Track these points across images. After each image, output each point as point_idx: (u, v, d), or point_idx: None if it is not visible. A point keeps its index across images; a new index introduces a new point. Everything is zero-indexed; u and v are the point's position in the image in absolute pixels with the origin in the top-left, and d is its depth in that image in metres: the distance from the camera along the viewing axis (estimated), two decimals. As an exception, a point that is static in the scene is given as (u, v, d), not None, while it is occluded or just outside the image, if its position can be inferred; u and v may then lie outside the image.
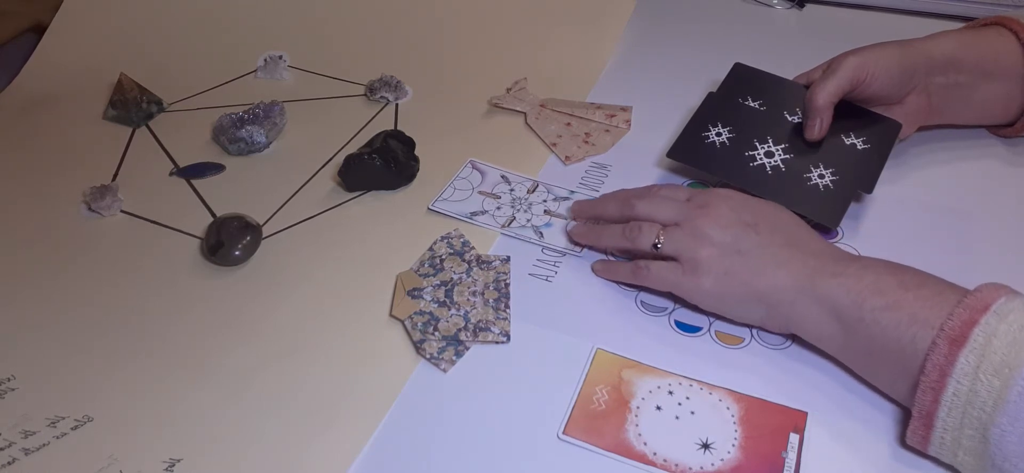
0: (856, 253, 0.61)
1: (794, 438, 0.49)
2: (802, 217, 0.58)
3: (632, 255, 0.60)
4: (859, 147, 0.64)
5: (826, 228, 0.62)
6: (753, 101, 0.69)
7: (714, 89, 0.72)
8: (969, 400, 0.43)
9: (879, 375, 0.50)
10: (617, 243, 0.60)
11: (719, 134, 0.67)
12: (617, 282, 0.60)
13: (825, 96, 0.63)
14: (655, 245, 0.57)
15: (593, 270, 0.61)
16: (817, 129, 0.64)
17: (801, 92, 0.67)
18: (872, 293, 0.49)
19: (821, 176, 0.64)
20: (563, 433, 0.50)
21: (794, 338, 0.55)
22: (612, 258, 0.62)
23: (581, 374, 0.54)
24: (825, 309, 0.51)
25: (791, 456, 0.48)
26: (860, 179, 0.63)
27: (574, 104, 0.79)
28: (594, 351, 0.55)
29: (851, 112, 0.65)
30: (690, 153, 0.67)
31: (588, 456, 0.49)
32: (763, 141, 0.66)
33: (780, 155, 0.65)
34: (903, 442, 0.48)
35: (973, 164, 0.69)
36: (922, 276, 0.50)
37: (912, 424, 0.46)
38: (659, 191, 0.60)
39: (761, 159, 0.65)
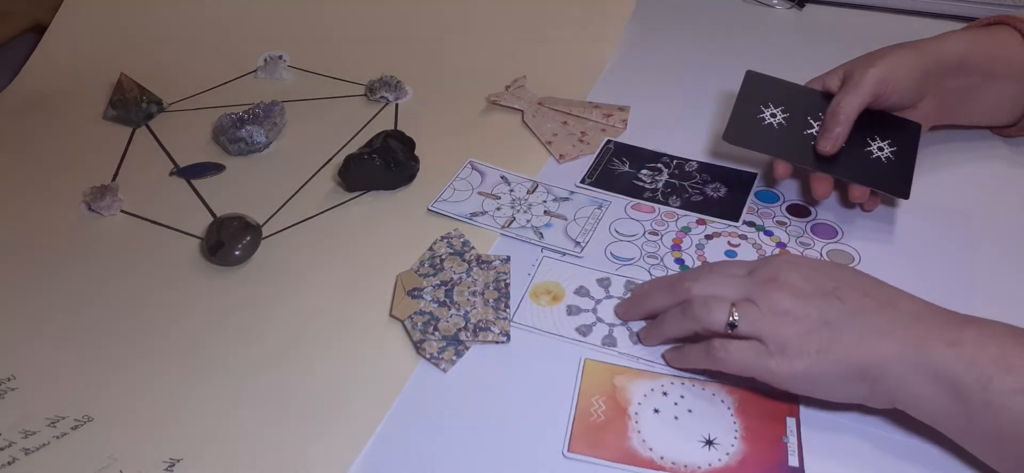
0: (858, 257, 0.61)
1: (791, 422, 0.50)
2: (873, 190, 0.59)
3: (699, 338, 0.52)
4: (885, 155, 0.64)
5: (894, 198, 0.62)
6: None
7: (713, 89, 0.72)
8: None
9: (1009, 462, 0.44)
10: (682, 326, 0.52)
11: (774, 115, 0.66)
12: (689, 369, 0.53)
13: (847, 111, 0.62)
14: (730, 324, 0.49)
15: (664, 359, 0.54)
16: (832, 143, 0.62)
17: (819, 98, 0.67)
18: (1000, 370, 0.43)
19: (880, 148, 0.64)
20: (568, 451, 0.49)
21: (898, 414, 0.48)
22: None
23: (574, 387, 0.53)
24: (942, 386, 0.44)
25: (792, 440, 0.49)
26: (894, 186, 0.63)
27: (572, 103, 0.79)
28: (582, 362, 0.55)
29: (869, 119, 0.65)
30: (747, 135, 0.65)
31: (597, 471, 0.48)
32: (816, 118, 0.65)
33: None
34: None
35: (977, 166, 0.69)
36: None
37: None
38: (711, 269, 0.54)
39: (816, 133, 0.64)
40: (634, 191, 0.69)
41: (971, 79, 0.65)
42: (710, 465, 0.48)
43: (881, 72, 0.62)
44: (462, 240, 0.64)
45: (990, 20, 0.68)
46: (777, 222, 0.65)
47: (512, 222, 0.66)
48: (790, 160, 0.65)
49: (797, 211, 0.66)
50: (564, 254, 0.63)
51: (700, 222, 0.65)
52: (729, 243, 0.63)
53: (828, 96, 0.66)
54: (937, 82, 0.65)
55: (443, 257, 0.63)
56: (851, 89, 0.63)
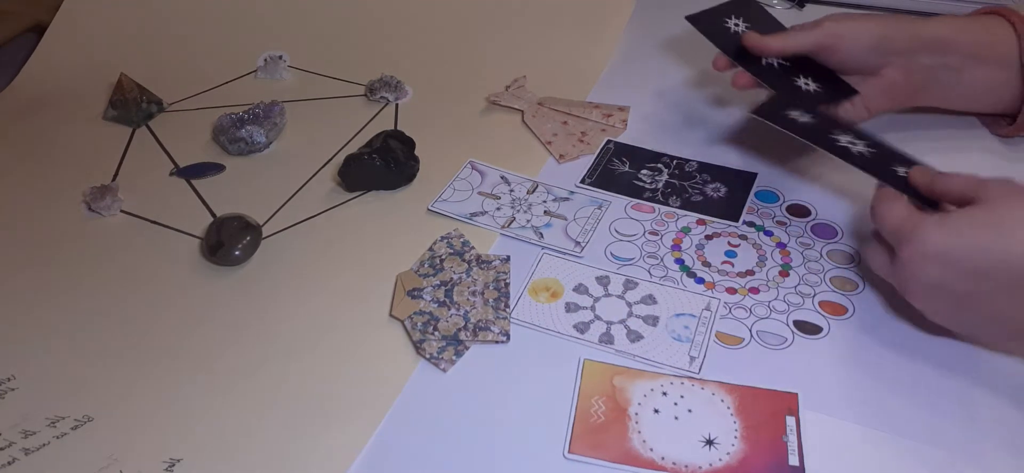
0: (858, 257, 0.61)
1: (791, 421, 0.50)
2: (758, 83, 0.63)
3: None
4: (812, 90, 0.67)
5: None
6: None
7: (713, 89, 0.71)
8: None
9: None
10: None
11: (738, 24, 0.70)
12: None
13: (788, 41, 0.67)
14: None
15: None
16: (757, 41, 0.67)
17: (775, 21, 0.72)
18: None
19: (807, 84, 0.67)
20: (569, 452, 0.49)
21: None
22: None
23: (574, 388, 0.53)
24: None
25: (792, 440, 0.49)
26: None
27: (572, 103, 0.79)
28: (582, 362, 0.55)
29: (811, 67, 0.68)
30: (777, 117, 0.64)
31: (598, 472, 0.49)
32: (846, 131, 0.63)
33: (863, 146, 0.64)
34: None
35: (975, 166, 0.69)
36: None
37: None
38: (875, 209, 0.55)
39: (845, 143, 0.63)
40: (634, 191, 0.69)
41: (949, 59, 0.65)
42: (710, 465, 0.48)
43: (834, 26, 0.66)
44: (462, 240, 0.64)
45: (984, 10, 0.68)
46: (777, 222, 0.65)
47: (512, 222, 0.66)
48: (727, 54, 0.70)
49: (797, 211, 0.66)
50: (564, 254, 0.63)
51: (700, 222, 0.65)
52: (729, 243, 0.63)
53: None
54: (907, 56, 0.66)
55: (443, 257, 0.63)
56: (802, 28, 0.67)
